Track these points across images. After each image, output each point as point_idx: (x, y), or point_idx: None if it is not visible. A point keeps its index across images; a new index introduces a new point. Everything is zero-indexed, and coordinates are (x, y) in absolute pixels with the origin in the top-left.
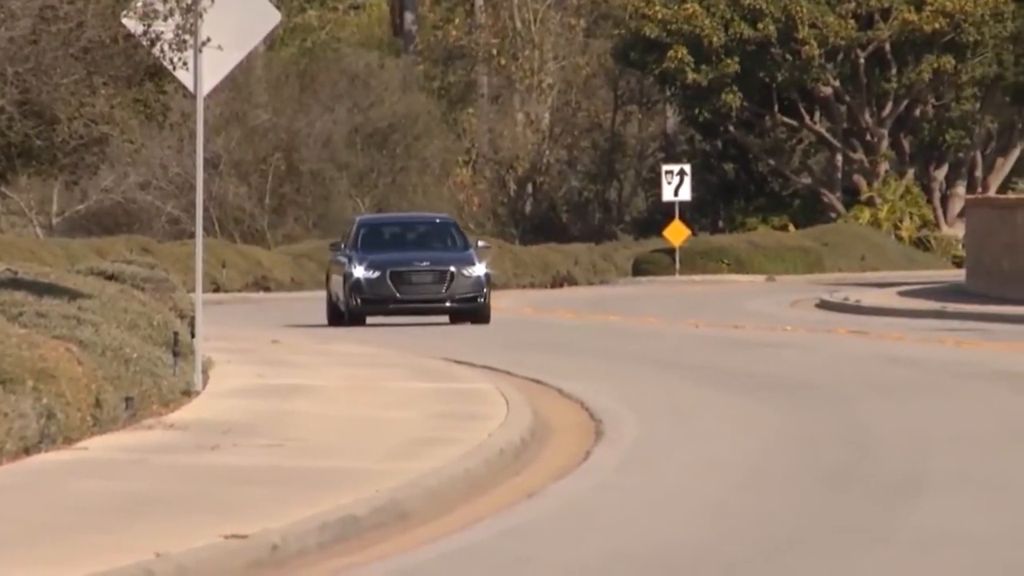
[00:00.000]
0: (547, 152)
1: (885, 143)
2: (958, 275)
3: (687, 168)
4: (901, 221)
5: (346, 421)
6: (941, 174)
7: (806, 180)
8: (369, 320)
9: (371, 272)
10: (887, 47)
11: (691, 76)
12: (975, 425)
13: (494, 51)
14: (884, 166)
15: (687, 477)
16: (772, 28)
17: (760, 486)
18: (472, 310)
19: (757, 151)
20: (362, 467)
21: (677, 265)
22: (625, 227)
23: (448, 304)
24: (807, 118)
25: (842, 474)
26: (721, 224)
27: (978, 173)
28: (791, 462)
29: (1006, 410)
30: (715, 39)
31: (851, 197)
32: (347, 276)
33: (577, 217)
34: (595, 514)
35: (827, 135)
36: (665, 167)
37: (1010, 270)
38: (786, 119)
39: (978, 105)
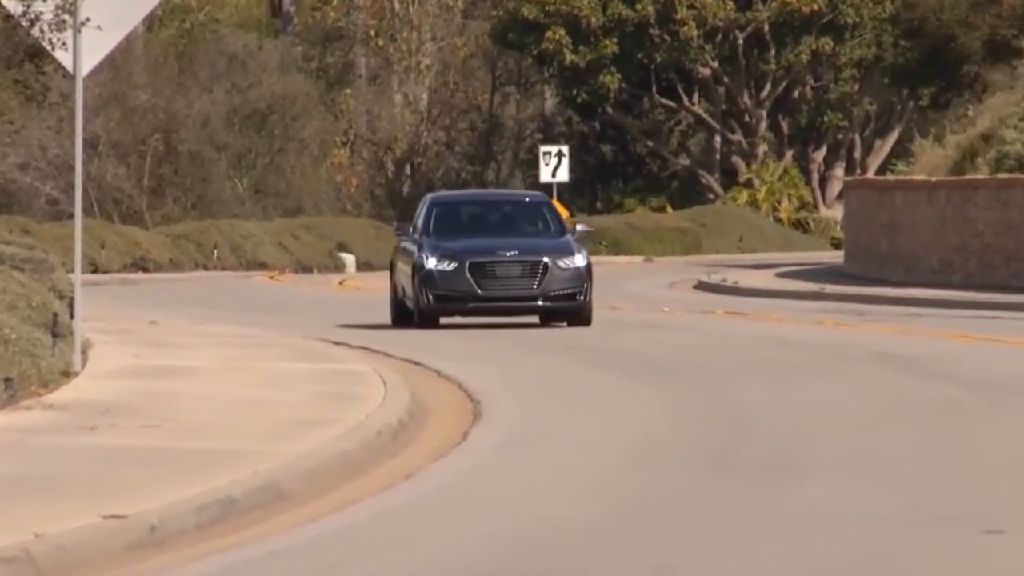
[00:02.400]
0: (425, 133)
1: (763, 124)
2: (836, 257)
3: (565, 149)
4: (779, 202)
5: (224, 402)
6: (820, 156)
7: (684, 161)
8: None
9: (446, 263)
10: (766, 28)
11: (569, 57)
12: (854, 406)
13: (372, 32)
14: (762, 148)
15: (566, 458)
16: (651, 9)
17: (640, 467)
18: (570, 310)
19: (635, 132)
20: (240, 448)
21: None
22: None
23: (540, 303)
24: (685, 99)
25: (722, 455)
26: (599, 205)
27: (857, 155)
28: (671, 443)
29: (885, 391)
30: (593, 20)
31: (729, 179)
32: (416, 267)
33: None
34: (473, 495)
35: (705, 116)
36: (543, 148)
37: (888, 252)
38: (664, 100)
39: (857, 87)
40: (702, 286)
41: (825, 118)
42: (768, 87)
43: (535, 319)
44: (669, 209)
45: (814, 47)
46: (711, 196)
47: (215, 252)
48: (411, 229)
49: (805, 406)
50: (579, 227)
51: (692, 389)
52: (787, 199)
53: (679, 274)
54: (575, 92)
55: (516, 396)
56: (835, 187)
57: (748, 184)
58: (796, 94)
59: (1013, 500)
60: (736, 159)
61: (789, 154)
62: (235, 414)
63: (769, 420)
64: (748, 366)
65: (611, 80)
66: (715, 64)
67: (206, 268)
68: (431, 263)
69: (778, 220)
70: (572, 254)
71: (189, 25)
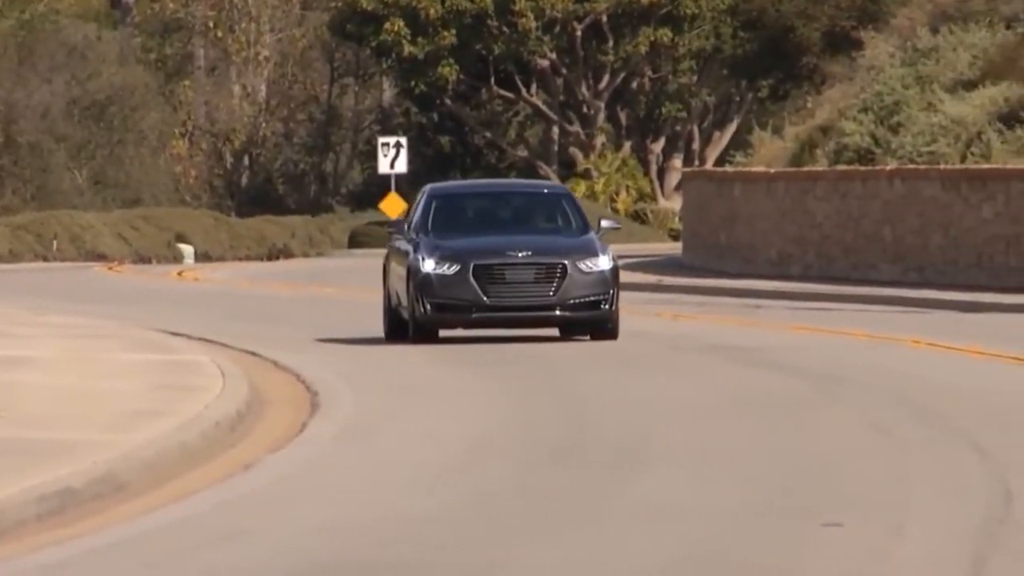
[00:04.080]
0: (263, 124)
1: (602, 116)
2: (675, 248)
3: (403, 141)
4: (618, 194)
5: (63, 392)
6: (658, 147)
7: (522, 153)
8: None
9: (446, 266)
10: (604, 19)
11: (408, 48)
12: (694, 398)
13: (211, 23)
14: (601, 139)
15: (405, 450)
16: (489, 0)
17: (479, 460)
18: (593, 320)
19: (473, 123)
20: (79, 438)
21: None
22: (341, 199)
23: (558, 312)
24: (524, 90)
25: (562, 448)
26: None
27: (695, 146)
28: (511, 436)
29: (724, 383)
30: (432, 11)
31: (567, 170)
32: (412, 271)
33: (293, 189)
34: (311, 486)
35: (543, 108)
36: (381, 139)
37: (727, 243)
38: (503, 91)
39: (695, 78)
40: None
41: (663, 109)
42: (606, 78)
43: (553, 331)
44: None
45: (652, 38)
46: None
47: (55, 243)
48: (406, 226)
49: (645, 398)
50: (604, 223)
51: (531, 382)
52: (625, 190)
53: None
54: (413, 83)
55: (354, 388)
56: (673, 178)
57: (586, 175)
58: (634, 85)
59: (851, 493)
60: (574, 150)
61: (627, 145)
62: (75, 404)
63: (609, 412)
64: (586, 358)
65: (449, 71)
66: (553, 55)
67: (46, 259)
68: (429, 266)
69: (616, 211)
70: (596, 255)
71: (29, 16)
